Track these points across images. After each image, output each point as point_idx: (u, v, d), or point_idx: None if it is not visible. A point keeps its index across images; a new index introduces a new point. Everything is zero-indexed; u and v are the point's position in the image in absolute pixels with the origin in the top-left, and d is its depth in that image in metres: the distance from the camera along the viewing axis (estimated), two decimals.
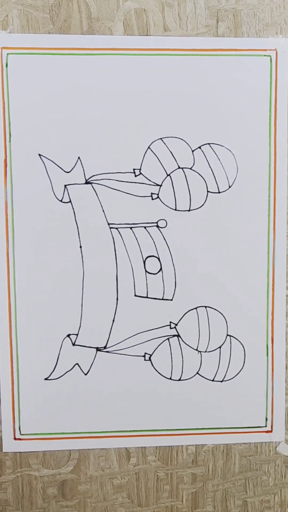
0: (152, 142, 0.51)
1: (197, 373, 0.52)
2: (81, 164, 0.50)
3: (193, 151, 0.51)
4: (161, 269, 0.51)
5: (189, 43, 0.50)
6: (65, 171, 0.50)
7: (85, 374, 0.51)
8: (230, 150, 0.51)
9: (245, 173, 0.52)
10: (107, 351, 0.51)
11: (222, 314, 0.52)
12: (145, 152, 0.51)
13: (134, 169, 0.51)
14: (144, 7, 0.50)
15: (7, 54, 0.49)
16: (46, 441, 0.52)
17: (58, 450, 0.52)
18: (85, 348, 0.51)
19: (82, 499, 0.53)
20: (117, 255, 0.51)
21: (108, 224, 0.51)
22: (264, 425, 0.53)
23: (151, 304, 0.52)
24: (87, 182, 0.50)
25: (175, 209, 0.51)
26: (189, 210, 0.51)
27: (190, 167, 0.51)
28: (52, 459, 0.52)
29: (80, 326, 0.51)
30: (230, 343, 0.52)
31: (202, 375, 0.52)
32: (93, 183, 0.51)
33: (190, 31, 0.50)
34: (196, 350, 0.52)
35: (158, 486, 0.53)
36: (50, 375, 0.51)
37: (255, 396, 0.53)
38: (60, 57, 0.49)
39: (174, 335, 0.52)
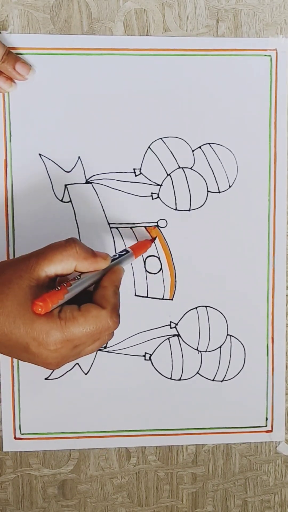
0: (153, 142, 0.51)
1: (197, 373, 0.52)
2: (82, 163, 0.50)
3: (193, 151, 0.51)
4: (161, 268, 0.52)
5: (189, 43, 0.50)
6: (65, 171, 0.50)
7: (85, 374, 0.51)
8: (230, 150, 0.51)
9: (245, 173, 0.52)
10: (107, 351, 0.51)
11: (222, 314, 0.52)
12: (146, 152, 0.51)
13: (134, 169, 0.51)
14: (144, 8, 0.50)
15: None
16: (47, 440, 0.52)
17: (59, 450, 0.52)
18: None
19: (82, 498, 0.53)
20: None
21: (109, 223, 0.51)
22: (264, 425, 0.53)
23: (151, 303, 0.52)
24: (87, 182, 0.51)
25: (175, 209, 0.51)
26: (189, 210, 0.52)
27: (190, 167, 0.51)
28: (52, 459, 0.52)
29: None
30: (230, 343, 0.53)
31: (202, 374, 0.52)
32: (93, 182, 0.51)
33: (190, 31, 0.50)
34: (196, 349, 0.52)
35: (158, 486, 0.53)
36: (50, 375, 0.51)
37: (255, 396, 0.53)
38: (61, 57, 0.50)
39: (174, 335, 0.52)
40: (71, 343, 0.40)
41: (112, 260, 0.45)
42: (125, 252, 0.47)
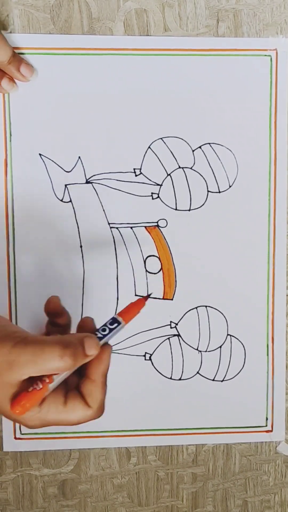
0: (153, 142, 0.51)
1: (198, 372, 0.52)
2: (82, 163, 0.50)
3: (193, 150, 0.51)
4: (161, 268, 0.52)
5: (189, 43, 0.50)
6: (65, 171, 0.50)
7: None
8: (230, 150, 0.51)
9: (246, 173, 0.52)
10: None
11: (222, 313, 0.52)
12: (146, 152, 0.51)
13: (134, 169, 0.51)
14: (144, 7, 0.50)
15: None
16: (47, 440, 0.52)
17: (59, 450, 0.52)
18: None
19: (83, 498, 0.53)
20: (117, 255, 0.51)
21: (109, 223, 0.51)
22: (265, 425, 0.53)
23: (152, 303, 0.52)
24: (87, 182, 0.51)
25: (176, 209, 0.51)
26: (189, 210, 0.52)
27: (190, 167, 0.51)
28: (52, 459, 0.52)
29: None
30: (231, 342, 0.53)
31: (203, 374, 0.52)
32: (93, 182, 0.51)
33: (190, 31, 0.50)
34: (197, 349, 0.52)
35: (158, 486, 0.53)
36: None
37: (255, 396, 0.53)
38: (61, 57, 0.50)
39: (174, 335, 0.52)
40: (48, 425, 0.38)
41: (101, 337, 0.38)
42: (116, 324, 0.39)
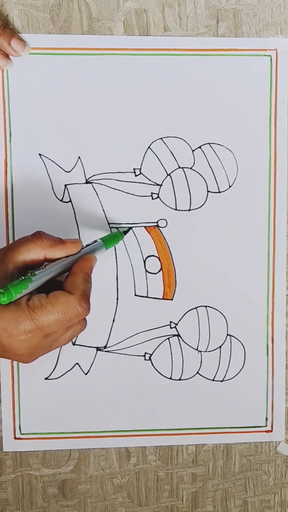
0: (152, 142, 0.51)
1: (197, 372, 0.52)
2: (82, 163, 0.50)
3: (193, 151, 0.51)
4: (161, 268, 0.52)
5: (189, 43, 0.50)
6: (65, 171, 0.50)
7: (85, 374, 0.51)
8: (230, 150, 0.51)
9: (245, 173, 0.52)
10: (107, 351, 0.52)
11: (222, 314, 0.52)
12: (146, 152, 0.51)
13: (134, 169, 0.51)
14: (144, 7, 0.50)
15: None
16: (46, 440, 0.52)
17: (58, 450, 0.52)
18: (85, 348, 0.51)
19: (82, 498, 0.53)
20: (117, 255, 0.51)
21: (109, 223, 0.51)
22: (264, 425, 0.53)
23: (151, 303, 0.52)
24: (87, 182, 0.51)
25: (175, 209, 0.51)
26: (189, 210, 0.52)
27: (190, 167, 0.51)
28: (52, 459, 0.52)
29: None
30: (230, 342, 0.53)
31: (202, 374, 0.52)
32: (93, 182, 0.51)
33: (190, 31, 0.50)
34: (196, 349, 0.52)
35: (158, 486, 0.53)
36: (50, 375, 0.51)
37: (255, 396, 0.53)
38: (61, 57, 0.50)
39: (174, 335, 0.52)
40: (41, 331, 0.40)
41: (82, 248, 0.45)
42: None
